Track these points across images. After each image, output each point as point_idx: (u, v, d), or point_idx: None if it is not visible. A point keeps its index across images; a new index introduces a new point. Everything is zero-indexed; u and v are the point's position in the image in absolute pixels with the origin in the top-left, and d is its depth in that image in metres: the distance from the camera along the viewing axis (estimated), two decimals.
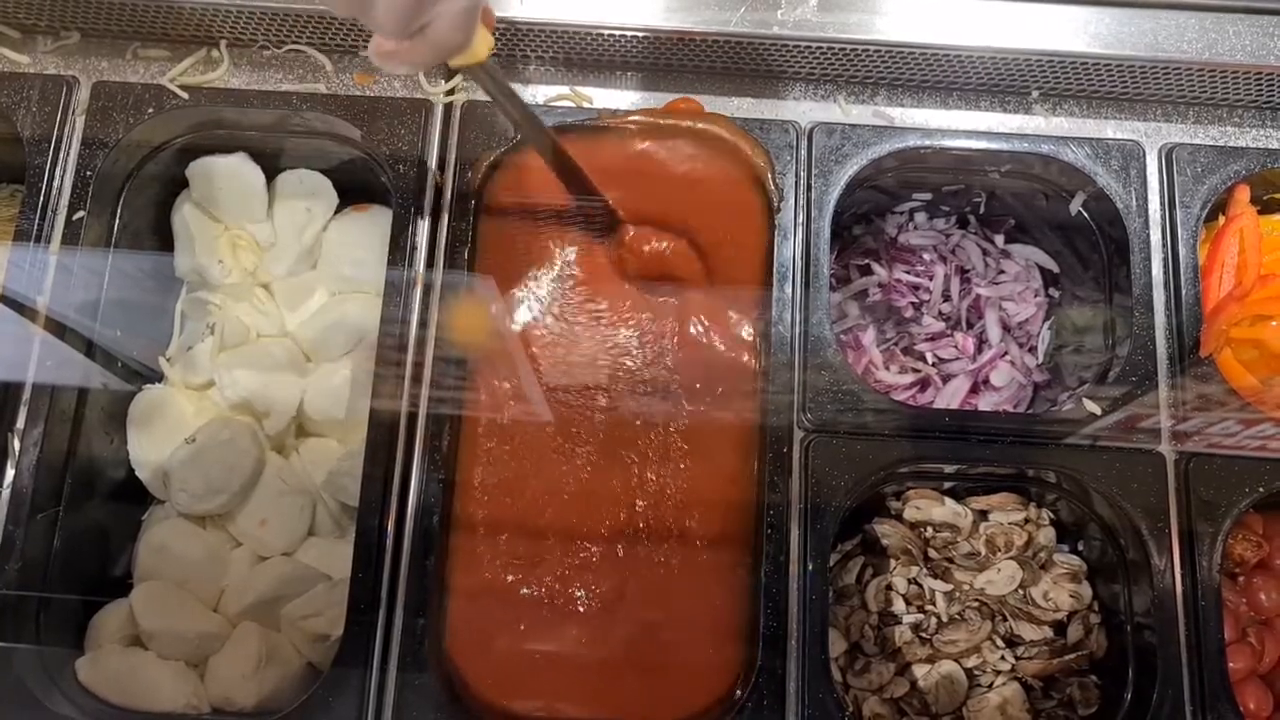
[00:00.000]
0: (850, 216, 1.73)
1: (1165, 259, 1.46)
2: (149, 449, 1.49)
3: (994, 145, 1.51)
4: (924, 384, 1.66)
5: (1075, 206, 1.56)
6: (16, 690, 1.28)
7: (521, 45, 1.51)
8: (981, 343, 1.68)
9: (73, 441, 1.42)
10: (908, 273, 1.70)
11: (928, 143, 1.51)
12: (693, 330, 1.47)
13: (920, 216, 1.74)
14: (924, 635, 1.42)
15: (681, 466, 1.41)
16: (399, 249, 1.42)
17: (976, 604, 1.44)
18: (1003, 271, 1.71)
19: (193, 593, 1.42)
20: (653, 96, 1.55)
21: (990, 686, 1.42)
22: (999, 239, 1.72)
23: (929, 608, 1.43)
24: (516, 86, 1.53)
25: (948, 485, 1.50)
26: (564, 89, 1.54)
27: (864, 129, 1.50)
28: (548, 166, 1.35)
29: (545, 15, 1.45)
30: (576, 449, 1.42)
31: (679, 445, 1.43)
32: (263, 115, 1.50)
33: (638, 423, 1.43)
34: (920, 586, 1.45)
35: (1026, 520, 1.48)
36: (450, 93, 1.52)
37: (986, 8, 1.46)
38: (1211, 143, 1.53)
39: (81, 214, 1.43)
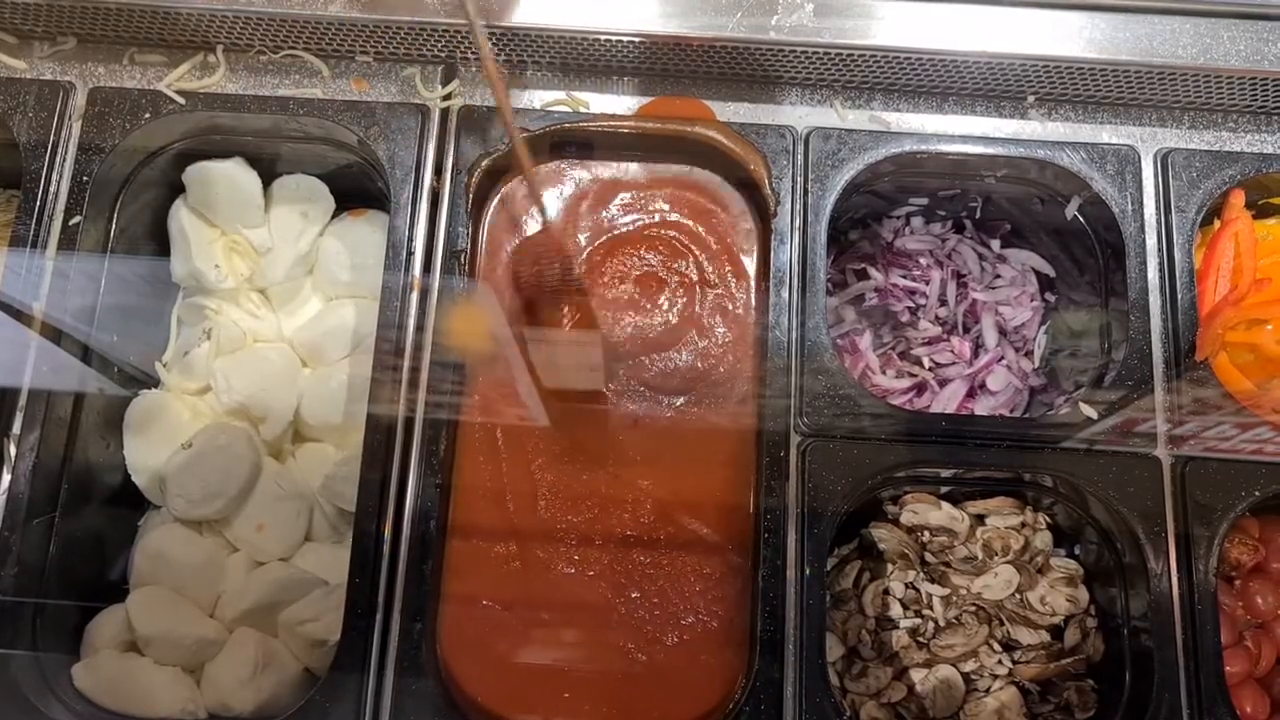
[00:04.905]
0: (847, 221, 1.74)
1: (1161, 263, 1.47)
2: (145, 454, 1.49)
3: (990, 150, 1.52)
4: (920, 388, 1.66)
5: (1071, 211, 1.56)
6: (12, 696, 1.28)
7: (519, 50, 1.51)
8: (978, 347, 1.68)
9: (69, 447, 1.42)
10: (904, 277, 1.70)
11: (924, 147, 1.51)
12: (690, 335, 1.48)
13: (916, 221, 1.74)
14: (921, 640, 1.42)
15: (678, 471, 1.41)
16: (395, 254, 1.42)
17: (973, 608, 1.44)
18: (999, 276, 1.72)
19: (189, 598, 1.42)
20: (649, 102, 1.55)
21: (987, 691, 1.42)
22: (995, 243, 1.72)
23: (926, 612, 1.43)
24: (514, 92, 1.54)
25: (944, 489, 1.50)
26: (560, 94, 1.55)
27: (860, 134, 1.51)
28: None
29: (542, 20, 1.45)
30: (573, 454, 1.42)
31: (676, 450, 1.43)
32: (259, 120, 1.50)
33: (635, 428, 1.43)
34: (917, 591, 1.45)
35: (1023, 524, 1.48)
36: (447, 97, 1.52)
37: (982, 13, 1.46)
38: (1207, 147, 1.54)
39: (78, 219, 1.43)
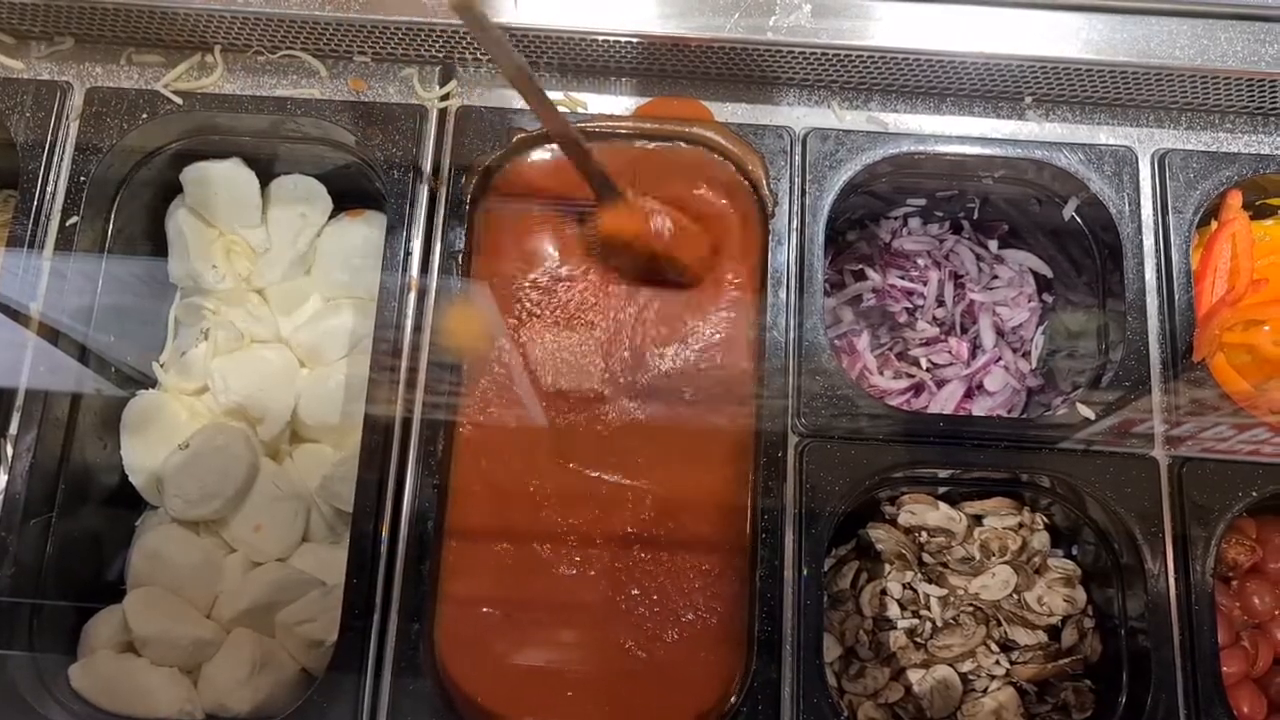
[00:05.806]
0: (844, 222, 1.74)
1: (1158, 264, 1.47)
2: (143, 454, 1.49)
3: (987, 151, 1.52)
4: (918, 389, 1.66)
5: (1068, 212, 1.56)
6: (9, 696, 1.27)
7: (517, 50, 1.51)
8: (975, 348, 1.69)
9: (66, 447, 1.41)
10: (902, 278, 1.70)
11: (921, 148, 1.51)
12: (688, 336, 1.47)
13: (914, 222, 1.74)
14: (919, 640, 1.42)
15: (676, 472, 1.41)
16: (393, 254, 1.42)
17: (971, 609, 1.44)
18: (996, 276, 1.72)
19: (186, 599, 1.42)
20: (647, 102, 1.55)
21: (985, 691, 1.42)
22: (993, 244, 1.73)
23: (924, 612, 1.43)
24: (511, 93, 1.54)
25: (942, 490, 1.50)
26: (559, 94, 1.54)
27: (858, 134, 1.51)
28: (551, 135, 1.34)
29: (540, 21, 1.45)
30: (571, 454, 1.42)
31: (673, 451, 1.43)
32: (257, 120, 1.50)
33: (632, 428, 1.43)
34: (915, 591, 1.45)
35: (1021, 525, 1.48)
36: (445, 98, 1.52)
37: (980, 14, 1.46)
38: (1204, 148, 1.54)
39: (75, 219, 1.43)
